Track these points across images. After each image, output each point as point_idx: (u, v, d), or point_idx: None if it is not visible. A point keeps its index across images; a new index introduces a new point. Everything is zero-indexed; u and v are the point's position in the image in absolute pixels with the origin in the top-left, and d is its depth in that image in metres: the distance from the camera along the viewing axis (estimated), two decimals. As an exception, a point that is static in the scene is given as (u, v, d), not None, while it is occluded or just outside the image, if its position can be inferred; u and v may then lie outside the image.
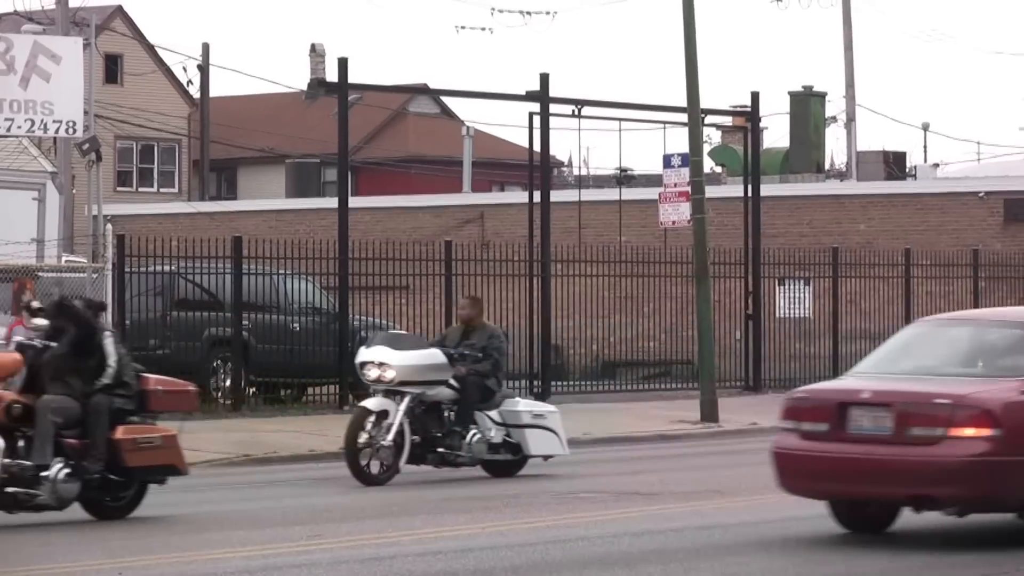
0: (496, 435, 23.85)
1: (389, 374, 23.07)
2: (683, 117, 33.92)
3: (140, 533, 18.68)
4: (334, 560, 16.50)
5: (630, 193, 43.21)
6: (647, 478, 22.90)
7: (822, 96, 59.99)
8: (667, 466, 23.98)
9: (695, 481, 23.02)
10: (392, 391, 23.15)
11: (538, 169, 38.15)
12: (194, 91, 70.52)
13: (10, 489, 18.77)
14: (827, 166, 60.23)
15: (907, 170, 60.88)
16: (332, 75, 36.13)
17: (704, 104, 33.98)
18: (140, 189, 69.58)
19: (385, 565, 16.17)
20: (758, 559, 16.27)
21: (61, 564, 16.70)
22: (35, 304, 21.86)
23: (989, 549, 16.80)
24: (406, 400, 23.09)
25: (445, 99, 73.79)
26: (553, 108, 36.70)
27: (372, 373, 23.51)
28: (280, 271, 34.47)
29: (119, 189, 66.97)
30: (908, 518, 17.17)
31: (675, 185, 34.89)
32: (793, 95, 59.16)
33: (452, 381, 23.75)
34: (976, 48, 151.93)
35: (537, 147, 37.27)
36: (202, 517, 20.18)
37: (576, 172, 48.55)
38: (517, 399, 25.31)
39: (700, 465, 25.38)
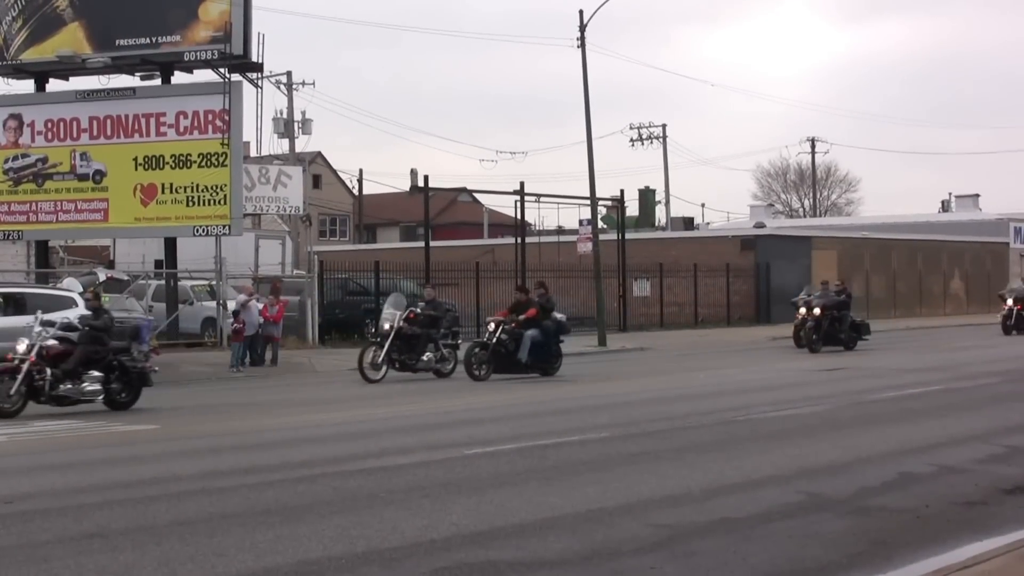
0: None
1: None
2: (588, 202, 34.36)
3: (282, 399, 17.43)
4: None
5: (565, 238, 43.42)
6: (572, 369, 22.25)
7: (654, 191, 60.86)
8: (585, 364, 23.97)
9: (596, 372, 22.65)
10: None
11: (519, 228, 38.48)
12: (355, 191, 70.90)
13: None
14: (656, 224, 60.71)
15: (695, 226, 61.36)
16: (421, 182, 36.47)
17: (599, 194, 34.17)
18: (330, 238, 69.78)
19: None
20: (610, 411, 14.95)
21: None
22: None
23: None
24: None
25: (475, 194, 74.01)
26: (528, 197, 37.06)
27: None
28: (398, 276, 34.66)
29: (320, 239, 67.28)
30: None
31: (585, 234, 35.44)
32: (640, 191, 60.08)
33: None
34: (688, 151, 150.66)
35: (519, 216, 37.70)
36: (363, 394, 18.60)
37: (537, 228, 48.84)
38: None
39: (599, 362, 25.42)
